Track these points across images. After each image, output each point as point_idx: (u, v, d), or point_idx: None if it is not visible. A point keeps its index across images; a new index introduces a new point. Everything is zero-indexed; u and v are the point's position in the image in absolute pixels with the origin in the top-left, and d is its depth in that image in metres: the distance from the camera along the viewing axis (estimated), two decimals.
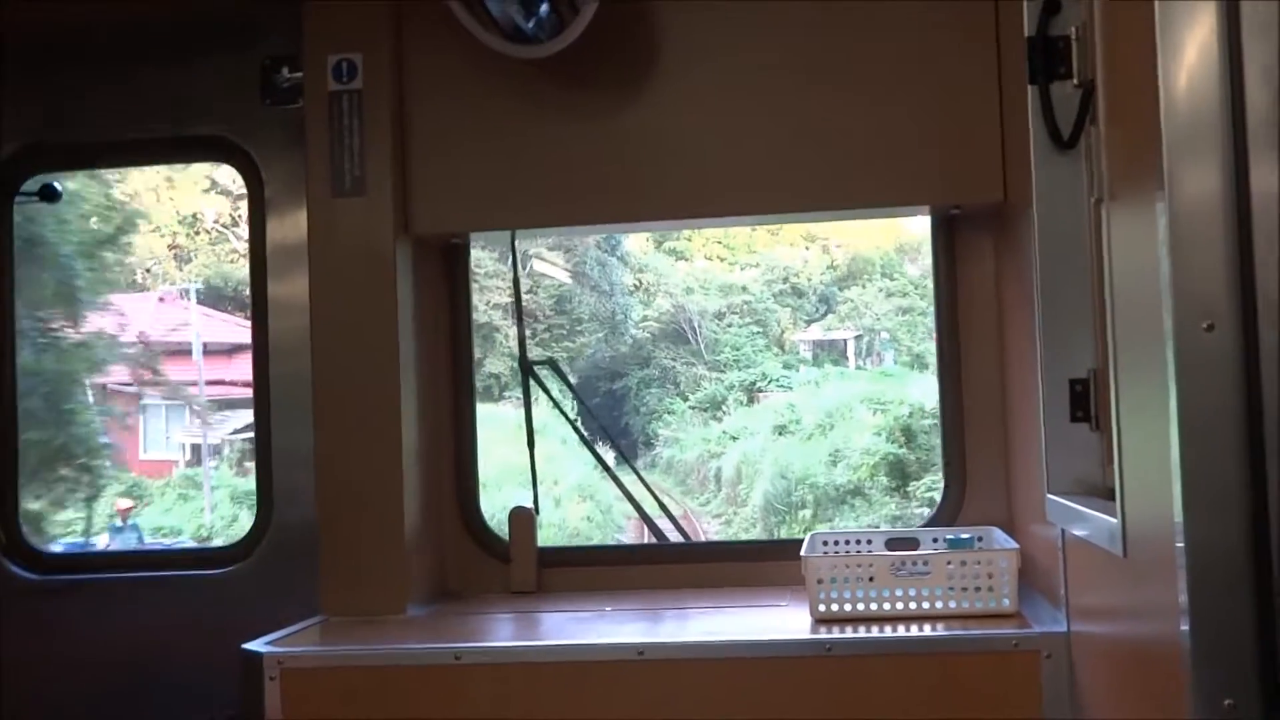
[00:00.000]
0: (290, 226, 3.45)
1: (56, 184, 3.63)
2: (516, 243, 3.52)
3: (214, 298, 20.57)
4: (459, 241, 3.44)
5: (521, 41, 2.98)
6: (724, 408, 21.80)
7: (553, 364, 3.71)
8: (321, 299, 3.16)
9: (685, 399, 22.25)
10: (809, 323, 23.03)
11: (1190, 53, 1.44)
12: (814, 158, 3.12)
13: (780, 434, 20.04)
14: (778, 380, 21.81)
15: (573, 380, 20.88)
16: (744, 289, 22.77)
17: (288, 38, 3.30)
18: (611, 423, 20.98)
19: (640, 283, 23.27)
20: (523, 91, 3.18)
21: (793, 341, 22.92)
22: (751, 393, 21.79)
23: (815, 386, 21.18)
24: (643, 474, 3.98)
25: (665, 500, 3.74)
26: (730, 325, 22.62)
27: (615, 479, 3.83)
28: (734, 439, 20.73)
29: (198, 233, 20.99)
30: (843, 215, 3.67)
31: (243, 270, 19.41)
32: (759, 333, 22.56)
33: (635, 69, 3.18)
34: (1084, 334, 2.42)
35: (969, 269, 3.31)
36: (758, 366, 22.08)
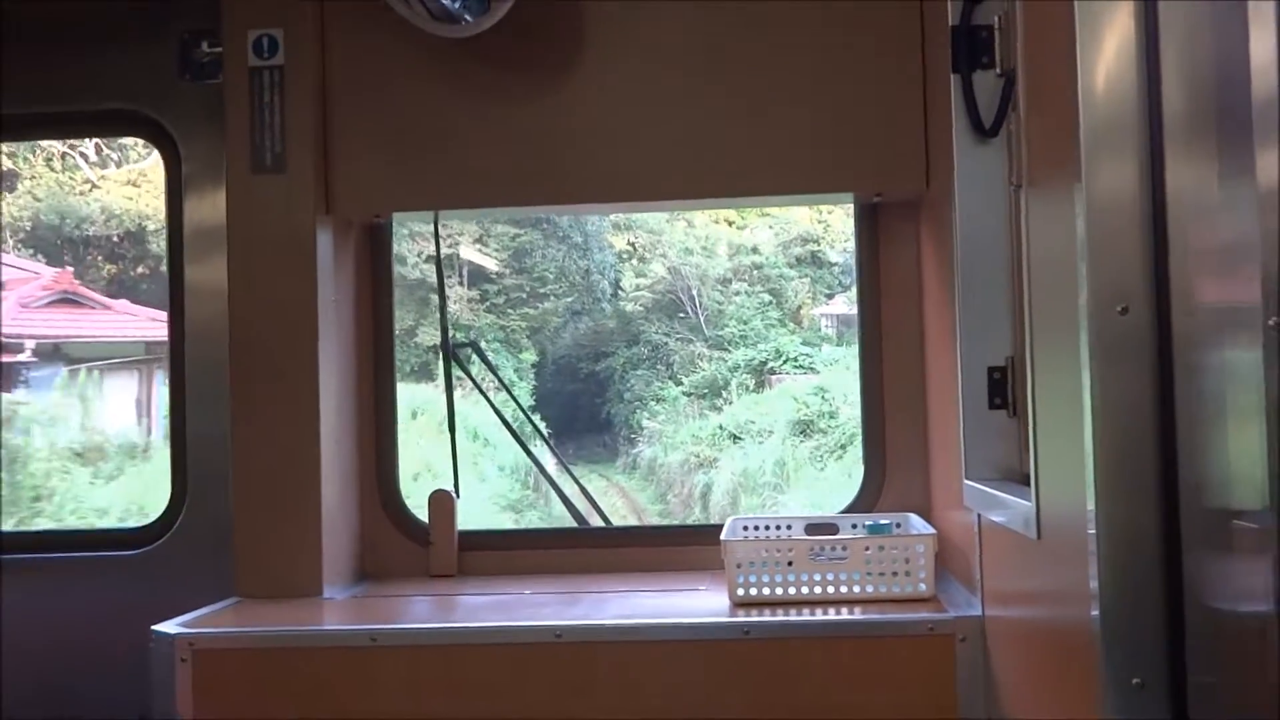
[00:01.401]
0: (209, 206, 3.39)
1: None
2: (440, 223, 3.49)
3: (45, 240, 16.11)
4: (381, 221, 3.40)
5: (446, 20, 2.95)
6: (725, 394, 16.91)
7: (474, 346, 3.68)
8: (240, 278, 3.11)
9: (678, 383, 17.47)
10: (831, 296, 18.55)
11: (1109, 43, 1.46)
12: (738, 144, 3.12)
13: (805, 434, 15.00)
14: (796, 360, 16.87)
15: (548, 358, 17.72)
16: (754, 250, 18.15)
17: (207, 11, 3.24)
18: (592, 412, 17.35)
19: (634, 247, 18.68)
20: (447, 71, 3.15)
21: (813, 315, 18.26)
22: (762, 375, 16.96)
23: (847, 369, 15.46)
24: (583, 471, 3.93)
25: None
26: (737, 293, 17.83)
27: (540, 467, 3.82)
28: (735, 440, 15.80)
29: (34, 151, 16.26)
30: (766, 202, 3.68)
31: (92, 205, 16.25)
32: (771, 303, 17.70)
33: (560, 51, 3.16)
34: (1002, 322, 2.45)
35: (891, 256, 3.34)
36: (770, 343, 17.28)
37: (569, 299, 18.62)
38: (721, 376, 17.02)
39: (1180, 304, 1.40)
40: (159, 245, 15.34)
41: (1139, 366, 1.42)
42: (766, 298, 17.76)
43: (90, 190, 16.63)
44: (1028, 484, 2.14)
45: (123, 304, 15.77)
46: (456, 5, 2.95)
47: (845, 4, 3.09)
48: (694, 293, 17.85)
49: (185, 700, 2.55)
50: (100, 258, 16.58)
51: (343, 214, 3.20)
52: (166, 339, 3.50)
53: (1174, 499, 1.41)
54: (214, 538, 3.20)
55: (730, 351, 17.30)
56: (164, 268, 3.34)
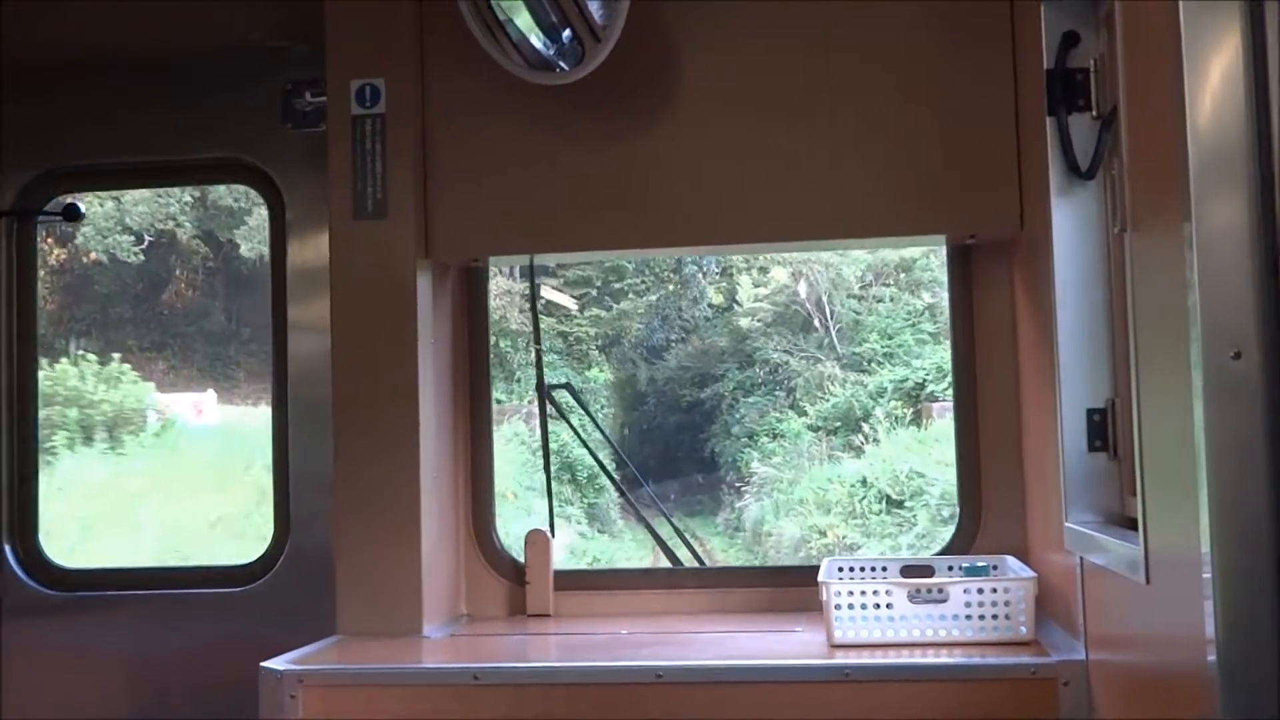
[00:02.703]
0: (311, 250, 3.49)
1: (80, 204, 3.67)
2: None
3: None
4: (478, 265, 3.46)
5: (543, 67, 3.01)
6: (868, 428, 12.70)
7: (569, 388, 3.73)
8: (342, 321, 3.18)
9: (801, 413, 13.39)
10: None
11: (1215, 80, 1.46)
12: (831, 186, 3.14)
13: None
14: None
15: (631, 378, 14.46)
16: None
17: (310, 62, 3.34)
18: (689, 449, 13.85)
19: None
20: (544, 116, 3.20)
21: None
22: (919, 402, 12.94)
23: None
24: (682, 523, 3.91)
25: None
26: (879, 300, 13.84)
27: (634, 507, 3.84)
28: (894, 508, 11.38)
29: None
30: (859, 244, 3.69)
31: None
32: (924, 312, 13.84)
33: (654, 96, 3.20)
34: (1101, 364, 2.44)
35: (985, 298, 3.33)
36: (926, 360, 13.24)
37: (653, 297, 14.39)
38: (860, 405, 12.98)
39: None
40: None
41: (1252, 410, 1.41)
42: (918, 304, 14.07)
43: None
44: (1131, 527, 2.13)
45: None
46: (552, 53, 3.01)
47: (938, 47, 3.10)
48: (823, 300, 13.92)
49: None
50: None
51: (441, 258, 3.27)
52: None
53: None
54: (314, 576, 3.26)
55: (871, 373, 13.39)
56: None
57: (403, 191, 3.17)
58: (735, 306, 14.53)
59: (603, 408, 14.06)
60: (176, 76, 3.61)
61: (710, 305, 14.54)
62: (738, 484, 13.30)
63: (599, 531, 12.54)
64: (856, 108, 3.13)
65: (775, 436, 13.28)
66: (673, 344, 14.63)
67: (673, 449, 14.17)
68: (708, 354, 14.43)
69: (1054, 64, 2.46)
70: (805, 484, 12.27)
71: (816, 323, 14.13)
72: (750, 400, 13.72)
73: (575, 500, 12.14)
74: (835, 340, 13.93)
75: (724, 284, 14.75)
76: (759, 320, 14.24)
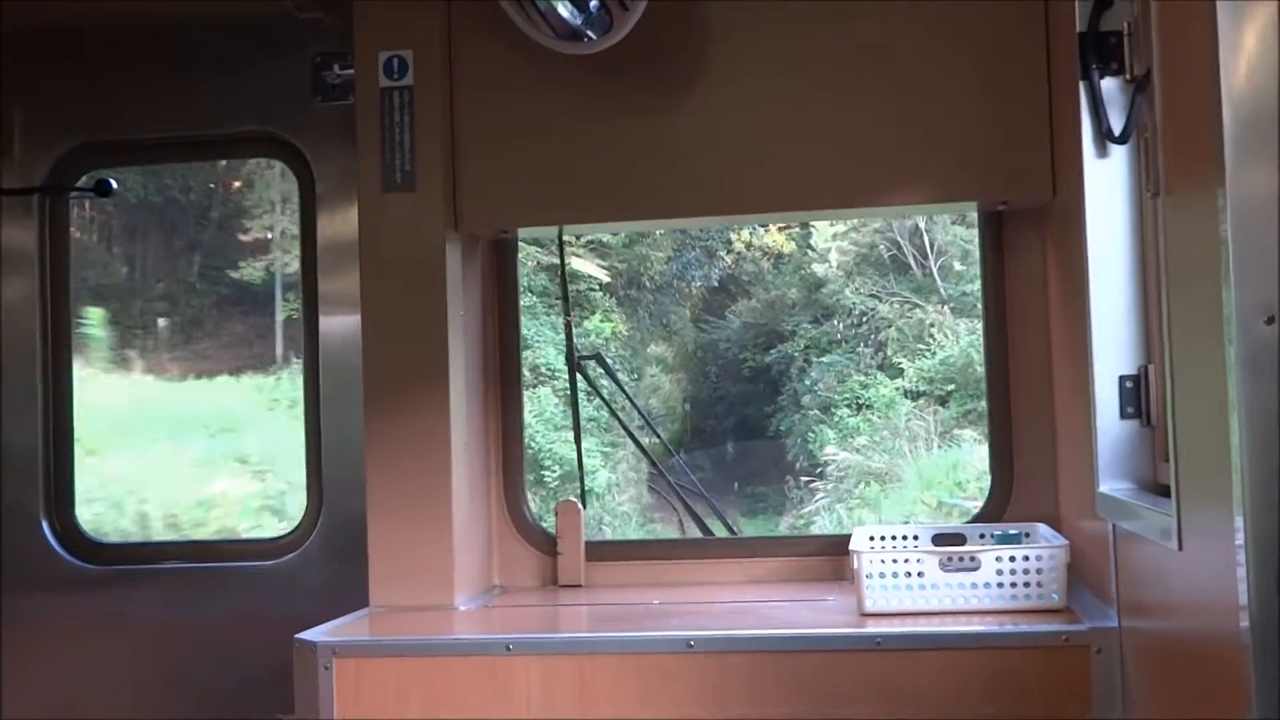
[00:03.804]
0: (341, 223, 3.51)
1: (111, 179, 3.69)
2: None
3: None
4: (508, 236, 3.46)
5: (571, 37, 3.00)
6: None
7: (599, 358, 3.73)
8: (372, 293, 3.19)
9: (895, 373, 10.10)
10: None
11: (1250, 42, 1.44)
12: (863, 153, 3.12)
13: None
14: None
15: (656, 330, 11.22)
16: None
17: (338, 35, 3.35)
18: (749, 428, 10.56)
19: None
20: (572, 87, 3.20)
21: None
22: None
23: None
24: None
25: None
26: None
27: (664, 475, 3.84)
28: None
29: None
30: (890, 212, 3.67)
31: None
32: None
33: (683, 64, 3.19)
34: (1134, 330, 2.42)
35: (1017, 264, 3.31)
36: None
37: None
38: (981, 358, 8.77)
39: None
40: None
41: None
42: None
43: None
44: (1164, 494, 2.12)
45: None
46: (580, 23, 3.00)
47: (969, 12, 3.07)
48: (920, 228, 10.63)
49: (328, 706, 2.62)
50: None
51: (470, 230, 3.27)
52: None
53: None
54: (349, 548, 3.29)
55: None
56: None
57: (431, 164, 3.17)
58: (809, 251, 11.41)
59: (617, 367, 10.50)
60: (207, 50, 3.62)
61: (780, 256, 11.50)
62: (807, 476, 10.07)
63: None
64: (888, 74, 3.11)
65: (859, 407, 9.95)
66: (714, 284, 11.09)
67: (717, 428, 10.86)
68: (773, 305, 10.99)
69: (1087, 27, 2.44)
70: (912, 488, 8.54)
71: (911, 259, 10.96)
72: (824, 360, 10.27)
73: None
74: (938, 278, 10.55)
75: (795, 228, 11.67)
76: (840, 269, 11.23)
